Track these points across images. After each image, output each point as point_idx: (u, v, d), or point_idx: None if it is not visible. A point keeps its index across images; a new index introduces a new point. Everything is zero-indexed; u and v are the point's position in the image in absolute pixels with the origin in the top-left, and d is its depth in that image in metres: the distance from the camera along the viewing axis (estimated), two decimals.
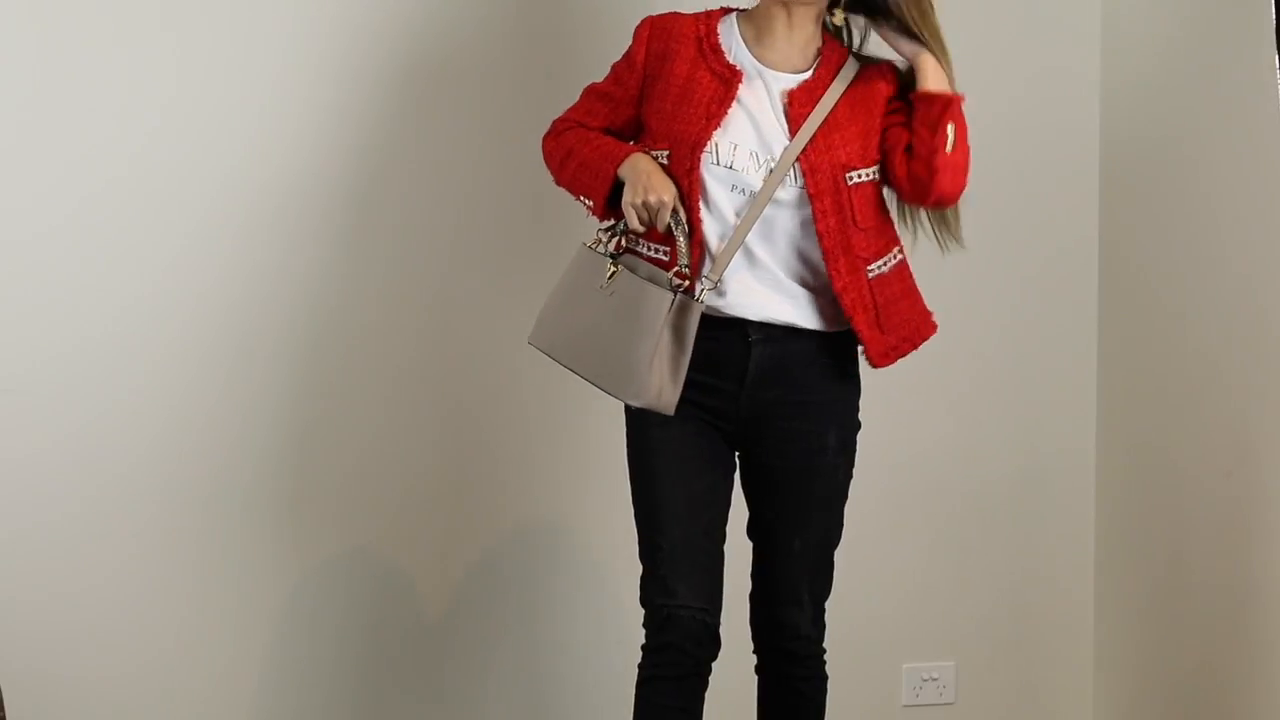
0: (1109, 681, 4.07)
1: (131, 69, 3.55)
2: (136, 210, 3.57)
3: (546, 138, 3.28)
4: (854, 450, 3.24)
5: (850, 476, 3.24)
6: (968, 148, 3.15)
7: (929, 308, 3.26)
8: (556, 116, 3.28)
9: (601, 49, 3.39)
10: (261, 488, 3.67)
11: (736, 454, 3.23)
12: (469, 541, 3.78)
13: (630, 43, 3.22)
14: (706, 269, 3.10)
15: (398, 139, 3.69)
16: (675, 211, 3.08)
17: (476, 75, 3.71)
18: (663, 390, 3.07)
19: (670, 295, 3.07)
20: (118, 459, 3.59)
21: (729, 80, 3.14)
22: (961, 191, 3.17)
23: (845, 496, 3.24)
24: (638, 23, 3.23)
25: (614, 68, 3.25)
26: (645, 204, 3.08)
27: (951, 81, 3.16)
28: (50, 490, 3.56)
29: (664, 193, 3.08)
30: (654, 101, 3.17)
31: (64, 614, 3.58)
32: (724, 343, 3.13)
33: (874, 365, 3.16)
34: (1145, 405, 3.96)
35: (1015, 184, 4.01)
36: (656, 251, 3.14)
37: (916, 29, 3.16)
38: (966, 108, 3.09)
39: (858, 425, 3.24)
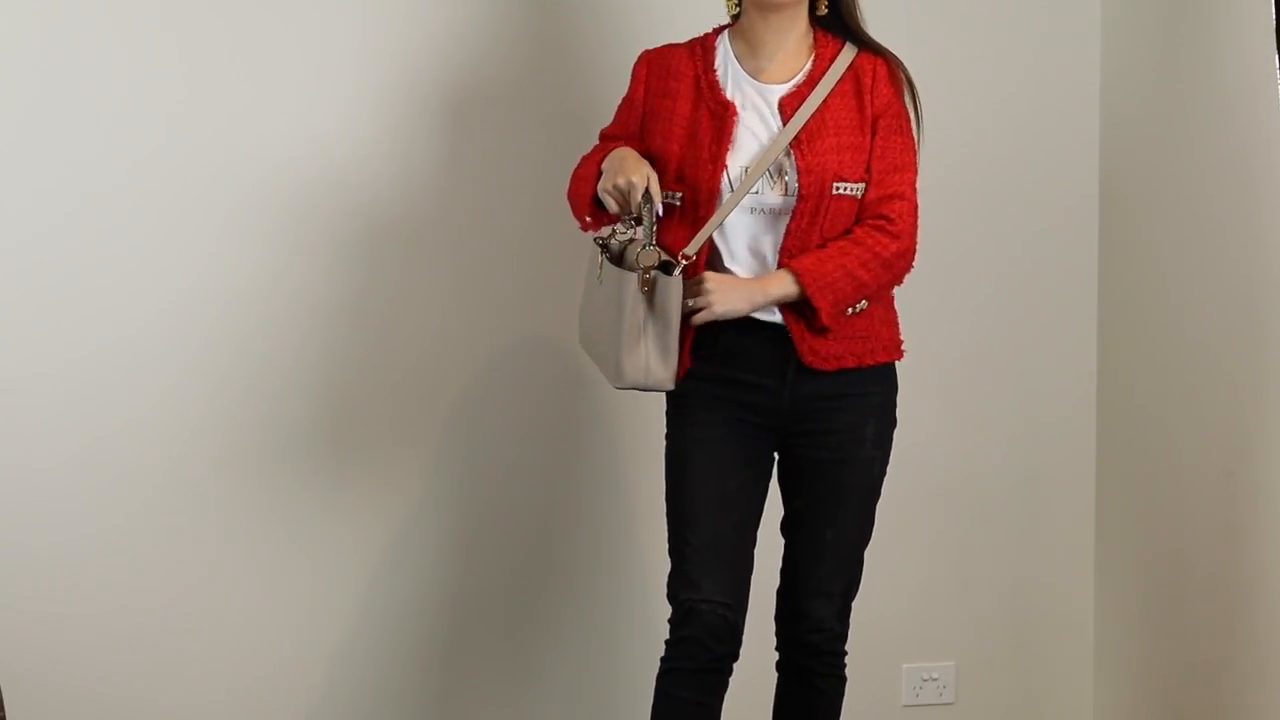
0: (1109, 681, 4.07)
1: (143, 70, 3.56)
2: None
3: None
4: (889, 446, 3.27)
5: (884, 474, 3.27)
6: (867, 279, 3.17)
7: (902, 336, 3.30)
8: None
9: (614, 78, 3.44)
10: (295, 488, 3.69)
11: (775, 453, 3.26)
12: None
13: (630, 83, 3.28)
14: (681, 250, 3.15)
15: (408, 145, 3.70)
16: (646, 193, 3.13)
17: (496, 96, 3.74)
18: (649, 369, 3.11)
19: (635, 276, 3.11)
20: (147, 462, 3.61)
21: (724, 117, 3.18)
22: (903, 276, 3.23)
23: (878, 494, 3.28)
24: (635, 59, 3.29)
25: (618, 110, 3.32)
26: (615, 186, 3.14)
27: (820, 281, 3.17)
28: (75, 500, 3.57)
29: (633, 174, 3.14)
30: (657, 139, 3.22)
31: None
32: (764, 340, 3.18)
33: (805, 363, 3.18)
34: (1145, 405, 3.96)
35: (1015, 184, 4.01)
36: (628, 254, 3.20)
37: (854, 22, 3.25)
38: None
39: (894, 421, 3.28)
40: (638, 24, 3.71)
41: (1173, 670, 3.88)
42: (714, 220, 3.15)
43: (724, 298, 3.14)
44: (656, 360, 3.12)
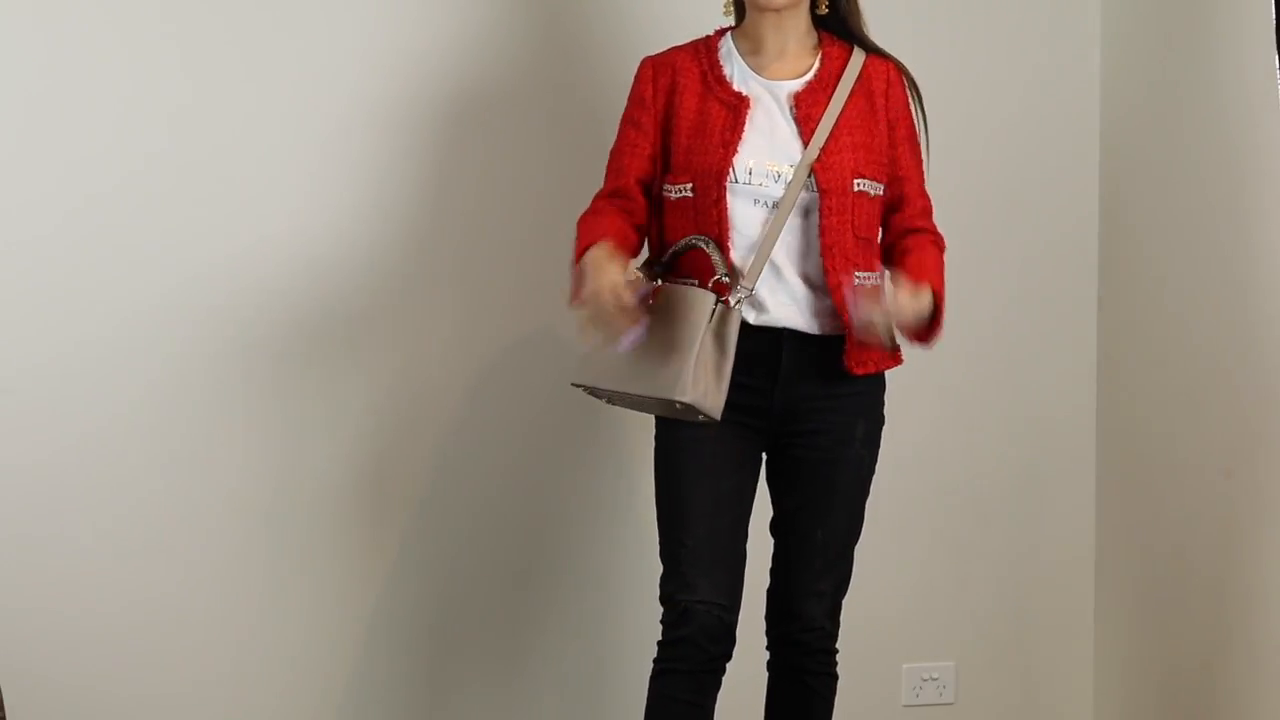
0: (1109, 681, 4.07)
1: (144, 72, 3.55)
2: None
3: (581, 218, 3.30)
4: (878, 444, 3.28)
5: (873, 472, 3.28)
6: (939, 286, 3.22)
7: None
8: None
9: (616, 80, 3.44)
10: (298, 494, 3.69)
11: (764, 453, 3.26)
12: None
13: (634, 86, 3.28)
14: (740, 281, 3.15)
15: (410, 146, 3.70)
16: (704, 236, 3.15)
17: (503, 104, 3.75)
18: (708, 392, 3.10)
19: (713, 298, 3.11)
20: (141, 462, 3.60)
21: (737, 107, 3.19)
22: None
23: (867, 492, 3.28)
24: (638, 66, 3.29)
25: (624, 119, 3.29)
26: (595, 298, 3.08)
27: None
28: (73, 500, 3.57)
29: (599, 281, 3.06)
30: (671, 135, 3.23)
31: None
32: (756, 343, 3.17)
33: (850, 370, 3.18)
34: (1145, 404, 3.96)
35: (1015, 184, 4.02)
36: (686, 282, 3.19)
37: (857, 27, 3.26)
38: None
39: (883, 420, 3.29)
40: (640, 27, 3.72)
41: (1172, 670, 3.88)
42: (768, 238, 3.15)
43: (901, 311, 3.12)
44: (714, 388, 3.11)
